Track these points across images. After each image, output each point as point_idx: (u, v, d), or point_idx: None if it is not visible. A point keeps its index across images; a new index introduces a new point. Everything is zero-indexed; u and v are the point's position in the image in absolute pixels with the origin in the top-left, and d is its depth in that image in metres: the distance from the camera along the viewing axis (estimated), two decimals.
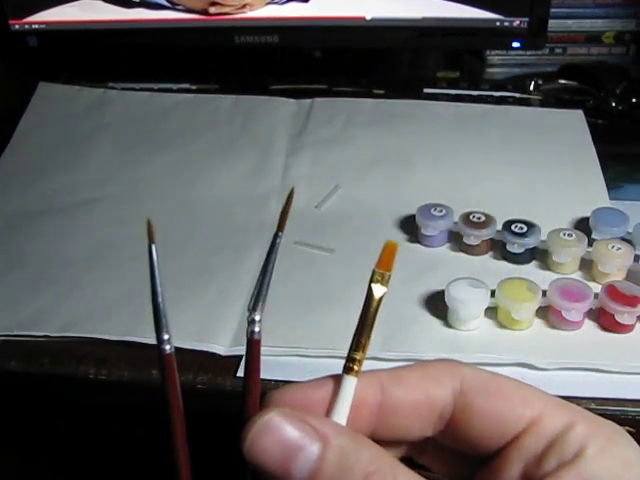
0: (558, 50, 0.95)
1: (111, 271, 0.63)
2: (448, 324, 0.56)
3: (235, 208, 0.70)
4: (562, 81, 0.90)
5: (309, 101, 0.85)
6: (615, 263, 0.59)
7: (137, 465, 0.67)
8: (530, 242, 0.61)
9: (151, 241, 0.25)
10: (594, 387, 0.51)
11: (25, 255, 0.65)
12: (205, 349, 0.55)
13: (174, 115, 0.84)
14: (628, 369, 0.52)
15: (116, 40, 0.89)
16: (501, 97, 0.88)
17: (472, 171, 0.74)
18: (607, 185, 0.71)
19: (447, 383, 0.27)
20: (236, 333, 0.56)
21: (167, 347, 0.26)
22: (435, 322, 0.57)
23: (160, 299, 0.26)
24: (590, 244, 0.61)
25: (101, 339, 0.56)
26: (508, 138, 0.79)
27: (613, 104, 0.85)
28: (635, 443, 0.26)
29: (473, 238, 0.63)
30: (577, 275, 0.61)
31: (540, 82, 0.89)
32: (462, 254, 0.64)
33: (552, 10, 0.85)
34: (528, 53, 0.94)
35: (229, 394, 0.53)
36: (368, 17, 0.85)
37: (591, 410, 0.26)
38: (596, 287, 0.57)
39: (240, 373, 0.53)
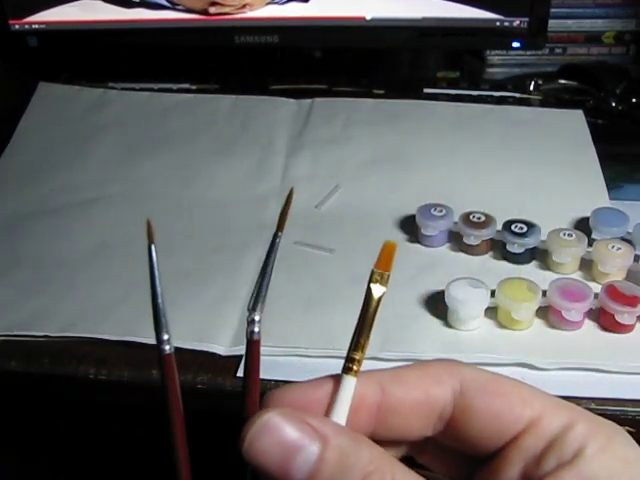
0: (558, 50, 0.95)
1: (111, 271, 0.63)
2: (448, 324, 0.56)
3: (235, 208, 0.70)
4: (562, 81, 0.90)
5: (309, 101, 0.85)
6: (615, 263, 0.59)
7: (137, 465, 0.67)
8: (530, 242, 0.61)
9: (151, 241, 0.25)
10: (594, 387, 0.51)
11: (25, 255, 0.65)
12: (205, 349, 0.55)
13: (174, 115, 0.84)
14: (628, 369, 0.52)
15: (116, 40, 0.89)
16: (501, 97, 0.87)
17: (472, 171, 0.74)
18: (607, 185, 0.71)
19: (447, 383, 0.27)
20: (236, 333, 0.56)
21: (167, 347, 0.26)
22: (435, 322, 0.57)
23: (160, 299, 0.26)
24: (590, 244, 0.61)
25: (101, 339, 0.56)
26: (508, 138, 0.79)
27: (613, 104, 0.85)
28: (635, 442, 0.26)
29: (473, 238, 0.63)
30: (577, 275, 0.61)
31: (540, 82, 0.89)
32: (462, 254, 0.64)
33: (552, 10, 0.85)
34: (528, 53, 0.94)
35: (229, 394, 0.53)
36: (368, 17, 0.85)
37: (591, 410, 0.26)
38: (596, 287, 0.57)
39: (240, 373, 0.53)
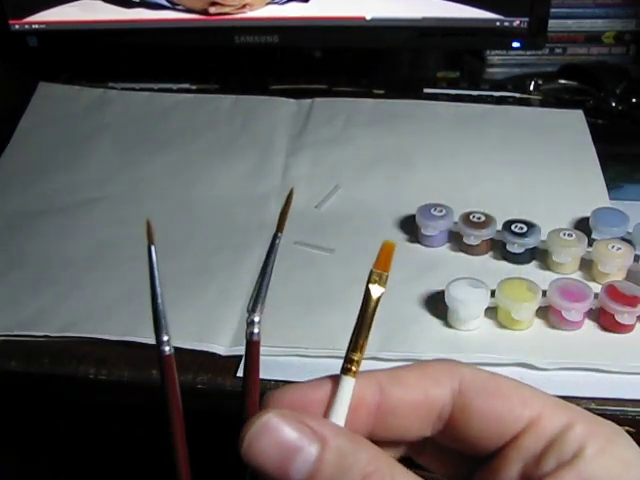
0: (558, 50, 0.95)
1: (111, 271, 0.63)
2: (448, 324, 0.56)
3: (235, 208, 0.70)
4: (562, 81, 0.90)
5: (309, 101, 0.85)
6: (615, 263, 0.59)
7: (137, 465, 0.67)
8: (530, 242, 0.61)
9: (151, 242, 0.25)
10: (594, 387, 0.51)
11: (25, 255, 0.65)
12: (205, 349, 0.55)
13: (174, 115, 0.84)
14: (628, 369, 0.52)
15: (116, 40, 0.89)
16: (501, 97, 0.87)
17: (472, 171, 0.74)
18: (607, 185, 0.71)
19: (446, 383, 0.27)
20: (236, 333, 0.56)
21: (167, 348, 0.26)
22: (435, 322, 0.57)
23: (160, 300, 0.26)
24: (590, 244, 0.61)
25: (101, 339, 0.56)
26: (508, 138, 0.79)
27: (613, 104, 0.85)
28: (634, 443, 0.26)
29: (473, 238, 0.63)
30: (577, 275, 0.61)
31: (540, 82, 0.89)
32: (462, 254, 0.64)
33: (552, 10, 0.85)
34: (528, 53, 0.94)
35: (229, 394, 0.53)
36: (368, 17, 0.85)
37: (591, 410, 0.26)
38: (596, 287, 0.57)
39: (240, 373, 0.53)
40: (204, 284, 0.61)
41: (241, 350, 0.54)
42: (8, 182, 0.75)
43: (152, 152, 0.78)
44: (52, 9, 0.86)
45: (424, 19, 0.85)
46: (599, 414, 0.27)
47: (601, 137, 0.78)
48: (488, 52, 0.95)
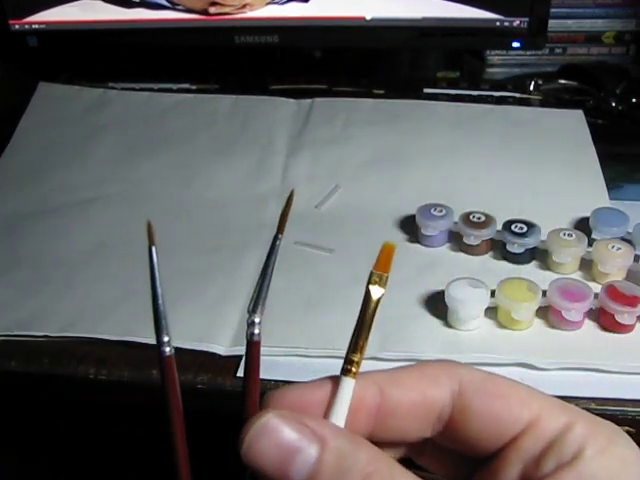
0: (558, 50, 0.95)
1: (110, 271, 0.63)
2: (448, 324, 0.56)
3: (235, 208, 0.70)
4: (562, 81, 0.90)
5: (309, 101, 0.85)
6: (615, 263, 0.59)
7: (137, 465, 0.67)
8: (530, 242, 0.61)
9: (151, 243, 0.25)
10: (594, 387, 0.51)
11: (25, 255, 0.65)
12: (205, 349, 0.55)
13: (174, 115, 0.84)
14: (628, 369, 0.52)
15: (116, 40, 0.89)
16: (501, 97, 0.88)
17: (472, 171, 0.74)
18: (607, 185, 0.71)
19: (445, 384, 0.27)
20: (236, 333, 0.56)
21: (167, 349, 0.26)
22: (435, 322, 0.57)
23: (160, 301, 0.26)
24: (590, 244, 0.61)
25: (101, 339, 0.56)
26: (508, 138, 0.79)
27: (613, 104, 0.85)
28: (634, 443, 0.26)
29: (473, 238, 0.63)
30: (577, 275, 0.61)
31: (540, 82, 0.89)
32: (462, 254, 0.64)
33: (552, 10, 0.85)
34: (528, 53, 0.94)
35: (229, 394, 0.53)
36: (368, 17, 0.85)
37: (591, 410, 0.27)
38: (596, 287, 0.57)
39: (240, 373, 0.53)
40: (204, 284, 0.61)
41: (241, 350, 0.54)
42: (8, 182, 0.75)
43: (152, 152, 0.78)
44: (52, 9, 0.86)
45: (424, 19, 0.85)
46: (599, 414, 0.27)
47: (601, 137, 0.78)
48: (488, 52, 0.95)
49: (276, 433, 0.24)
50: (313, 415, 0.26)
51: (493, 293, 0.56)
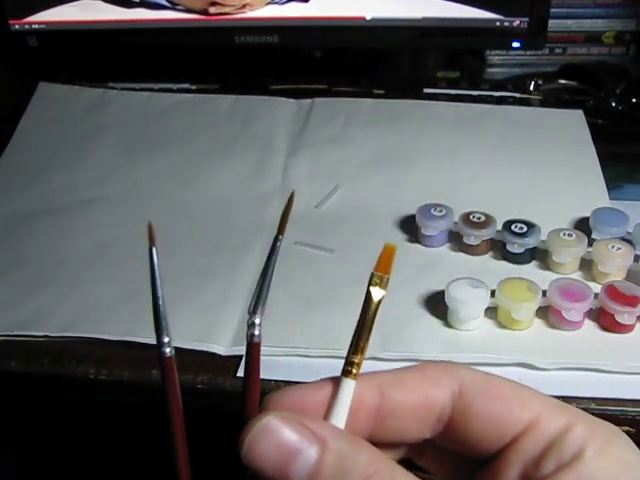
0: (558, 50, 0.95)
1: (111, 271, 0.63)
2: (448, 324, 0.56)
3: (235, 208, 0.70)
4: (562, 81, 0.90)
5: (309, 101, 0.85)
6: (615, 263, 0.59)
7: (137, 465, 0.67)
8: (530, 242, 0.61)
9: (152, 244, 0.26)
10: (594, 387, 0.51)
11: (25, 255, 0.65)
12: (205, 349, 0.55)
13: (174, 115, 0.84)
14: (628, 369, 0.52)
15: (116, 40, 0.89)
16: (501, 97, 0.88)
17: (472, 171, 0.74)
18: (607, 185, 0.71)
19: (445, 385, 0.27)
20: (236, 333, 0.56)
21: (167, 350, 0.26)
22: (435, 322, 0.57)
23: (161, 302, 0.26)
24: (590, 244, 0.61)
25: (101, 339, 0.56)
26: (508, 138, 0.79)
27: (613, 104, 0.85)
28: (633, 444, 0.26)
29: (473, 238, 0.63)
30: (577, 275, 0.61)
31: (540, 82, 0.89)
32: (462, 254, 0.64)
33: (552, 10, 0.85)
34: (528, 53, 0.94)
35: (229, 394, 0.53)
36: (368, 17, 0.85)
37: (591, 410, 0.27)
38: (596, 287, 0.57)
39: (240, 373, 0.53)
40: (204, 284, 0.61)
41: (241, 350, 0.54)
42: (8, 182, 0.75)
43: (152, 152, 0.78)
44: (52, 9, 0.86)
45: (424, 19, 0.85)
46: (599, 414, 0.27)
47: (601, 137, 0.78)
48: (488, 52, 0.95)
49: (276, 434, 0.24)
50: (313, 416, 0.26)
51: (493, 293, 0.56)
